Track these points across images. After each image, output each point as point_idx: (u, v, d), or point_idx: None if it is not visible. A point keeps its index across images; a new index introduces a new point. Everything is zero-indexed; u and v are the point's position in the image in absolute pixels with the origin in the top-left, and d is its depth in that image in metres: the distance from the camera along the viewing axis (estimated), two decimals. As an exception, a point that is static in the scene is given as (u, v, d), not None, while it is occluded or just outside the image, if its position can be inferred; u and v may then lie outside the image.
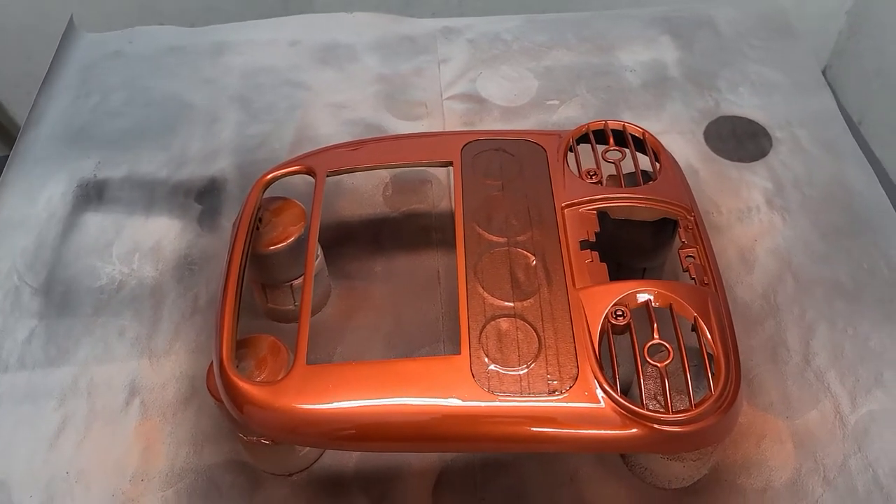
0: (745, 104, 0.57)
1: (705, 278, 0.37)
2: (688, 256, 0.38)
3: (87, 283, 0.47)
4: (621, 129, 0.43)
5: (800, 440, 0.40)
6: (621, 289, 0.35)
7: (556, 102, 0.58)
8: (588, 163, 0.41)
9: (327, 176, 0.41)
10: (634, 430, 0.32)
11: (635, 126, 0.43)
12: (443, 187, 0.52)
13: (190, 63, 0.61)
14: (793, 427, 0.41)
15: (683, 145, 0.54)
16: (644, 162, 0.42)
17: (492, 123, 0.56)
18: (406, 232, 0.50)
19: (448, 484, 0.39)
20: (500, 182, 0.40)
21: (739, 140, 0.55)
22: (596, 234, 0.38)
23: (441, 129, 0.56)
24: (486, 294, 0.35)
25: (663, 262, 0.44)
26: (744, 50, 0.61)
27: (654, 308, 0.35)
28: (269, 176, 0.42)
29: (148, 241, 0.50)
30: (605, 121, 0.43)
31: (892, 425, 0.40)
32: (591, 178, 0.40)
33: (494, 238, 0.38)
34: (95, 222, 0.51)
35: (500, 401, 0.32)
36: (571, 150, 0.42)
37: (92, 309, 0.46)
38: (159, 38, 0.63)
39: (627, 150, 0.42)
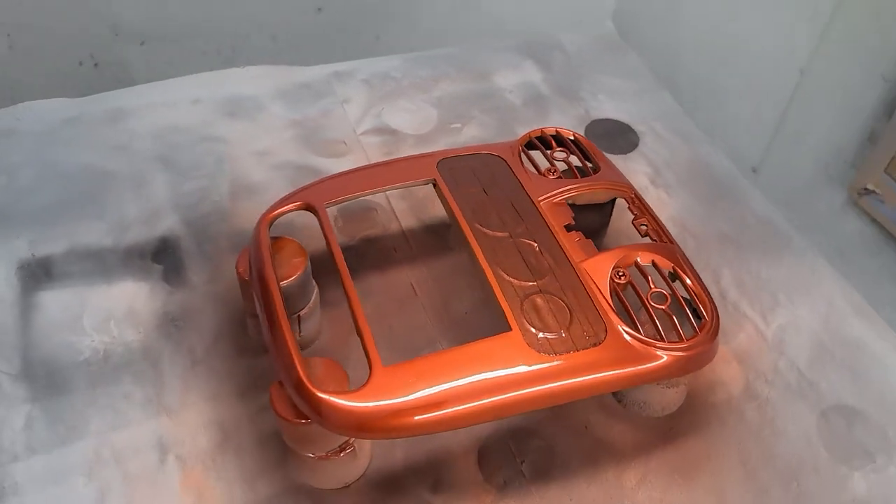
0: (607, 108, 0.68)
1: (664, 238, 0.46)
2: (642, 224, 0.47)
3: (69, 359, 0.46)
4: (554, 133, 0.51)
5: (740, 358, 0.50)
6: (613, 256, 0.43)
7: (459, 125, 0.65)
8: (534, 164, 0.49)
9: (326, 207, 0.45)
10: (663, 360, 0.39)
11: (566, 130, 0.51)
12: (387, 213, 0.57)
13: (91, 132, 0.61)
14: (731, 349, 0.51)
15: (573, 147, 0.64)
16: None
17: (410, 149, 0.62)
18: (369, 255, 0.54)
19: (489, 456, 0.44)
20: (480, 188, 0.47)
21: (613, 137, 0.66)
22: (573, 217, 0.46)
23: (366, 161, 0.61)
24: (511, 279, 0.41)
25: (604, 236, 0.53)
26: (591, 65, 0.73)
27: (642, 265, 0.43)
28: (273, 214, 0.44)
29: (119, 307, 0.49)
30: (542, 129, 0.51)
31: (797, 331, 0.52)
32: (553, 175, 0.48)
33: (499, 234, 0.44)
34: (54, 299, 0.49)
35: (558, 359, 0.38)
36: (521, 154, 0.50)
37: (86, 383, 0.45)
38: (48, 111, 0.62)
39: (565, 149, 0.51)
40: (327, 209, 0.45)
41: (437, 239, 0.55)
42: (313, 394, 0.36)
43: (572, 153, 0.50)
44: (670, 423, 0.47)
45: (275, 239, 0.46)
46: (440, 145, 0.63)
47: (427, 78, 0.69)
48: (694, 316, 0.41)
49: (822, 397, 0.49)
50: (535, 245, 0.43)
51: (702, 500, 0.43)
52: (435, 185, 0.47)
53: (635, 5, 1.44)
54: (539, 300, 0.41)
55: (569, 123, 0.66)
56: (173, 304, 0.50)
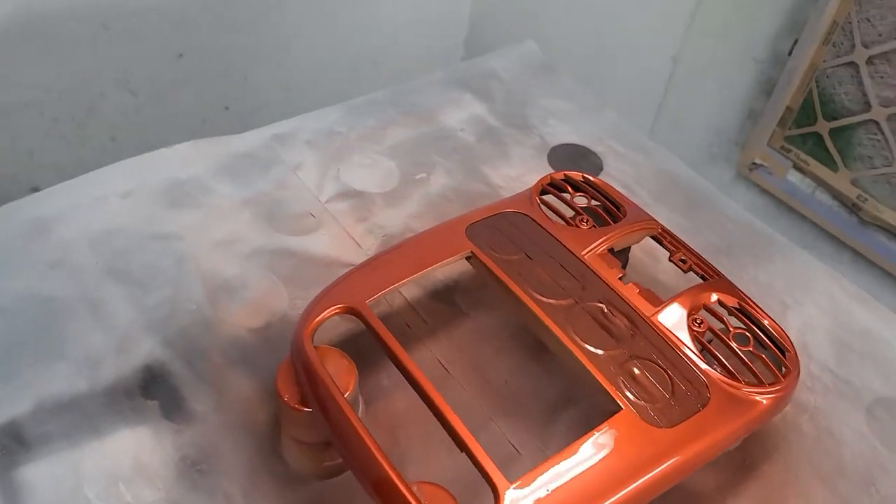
0: (561, 133, 0.67)
1: (708, 270, 0.45)
2: (681, 260, 0.45)
3: (85, 545, 0.38)
4: (563, 178, 0.49)
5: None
6: (682, 303, 0.41)
7: (424, 175, 0.61)
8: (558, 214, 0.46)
9: (368, 303, 0.40)
10: (765, 403, 0.38)
11: (575, 173, 0.49)
12: (385, 284, 0.52)
13: (14, 252, 0.51)
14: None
15: (543, 179, 0.62)
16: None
17: (382, 211, 0.57)
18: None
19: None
20: (522, 253, 0.43)
21: (576, 161, 0.64)
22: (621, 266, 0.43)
23: (341, 232, 0.55)
24: (596, 350, 0.38)
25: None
26: (529, 90, 0.71)
27: (718, 303, 0.41)
28: (312, 326, 0.39)
29: (123, 463, 0.41)
30: (551, 175, 0.48)
31: (813, 331, 0.53)
32: (586, 225, 0.45)
33: (563, 301, 0.41)
34: (40, 473, 0.40)
35: (679, 430, 0.36)
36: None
37: (116, 569, 0.37)
38: (-52, 236, 0.51)
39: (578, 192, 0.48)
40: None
41: (447, 304, 0.51)
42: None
43: (592, 197, 0.48)
44: (742, 455, 0.46)
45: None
46: (414, 201, 0.58)
47: (374, 127, 0.64)
48: (777, 349, 0.41)
49: (860, 393, 0.50)
50: (604, 306, 0.41)
51: (802, 529, 0.43)
52: (472, 258, 0.43)
53: (487, 29, 1.45)
54: (634, 368, 0.38)
55: (528, 155, 0.64)
56: (187, 446, 0.42)
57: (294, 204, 0.57)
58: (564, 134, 0.67)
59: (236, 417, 0.44)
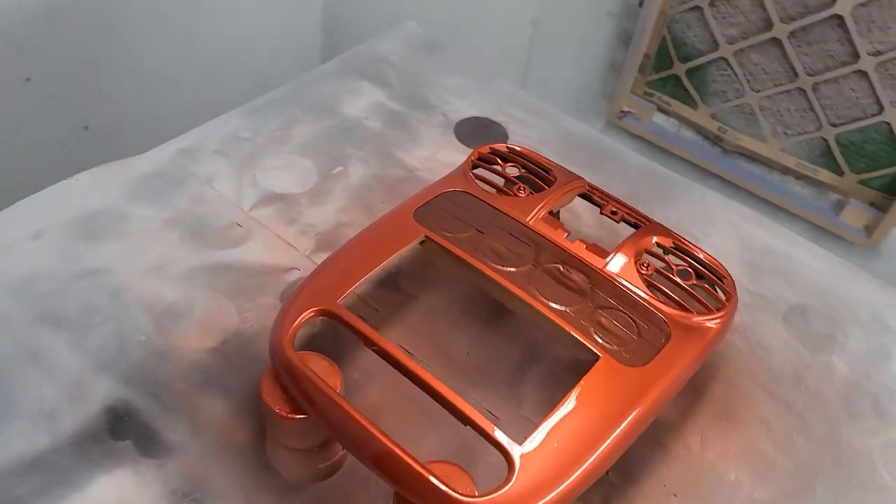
0: (460, 107, 0.69)
1: (640, 218, 0.48)
2: (612, 212, 0.49)
3: None
4: (489, 151, 0.51)
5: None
6: (626, 251, 0.44)
7: (342, 168, 0.61)
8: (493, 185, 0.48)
9: (340, 303, 0.40)
10: (714, 328, 0.42)
11: (499, 145, 0.51)
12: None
13: (-77, 317, 0.47)
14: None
15: (455, 154, 0.64)
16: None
17: (309, 210, 0.57)
18: (340, 332, 0.49)
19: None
20: (473, 229, 0.45)
21: (482, 134, 0.66)
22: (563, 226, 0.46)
23: (273, 238, 0.55)
24: (565, 308, 0.41)
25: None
26: (421, 70, 0.72)
27: (657, 245, 0.45)
28: (290, 333, 0.39)
29: (111, 510, 0.40)
30: (478, 150, 0.50)
31: (725, 257, 0.58)
32: (524, 192, 0.48)
33: (523, 268, 0.43)
34: (24, 539, 0.38)
35: (653, 366, 0.39)
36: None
37: None
38: None
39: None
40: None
41: (394, 291, 0.52)
42: (458, 500, 0.33)
43: (522, 166, 0.50)
44: (693, 382, 0.50)
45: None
46: (337, 195, 0.59)
47: (279, 128, 0.64)
48: (715, 277, 0.45)
49: (775, 305, 0.56)
50: (559, 266, 0.43)
51: (755, 433, 0.48)
52: (427, 241, 0.44)
53: (342, 9, 1.44)
54: (601, 318, 0.41)
55: (437, 134, 0.66)
56: (174, 478, 0.41)
57: (217, 217, 0.56)
58: (465, 108, 0.69)
59: (216, 440, 0.43)
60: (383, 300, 0.52)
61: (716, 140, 1.15)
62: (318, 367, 0.39)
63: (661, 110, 1.18)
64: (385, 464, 0.35)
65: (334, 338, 0.49)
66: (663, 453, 0.46)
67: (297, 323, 0.39)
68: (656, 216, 0.60)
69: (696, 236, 0.60)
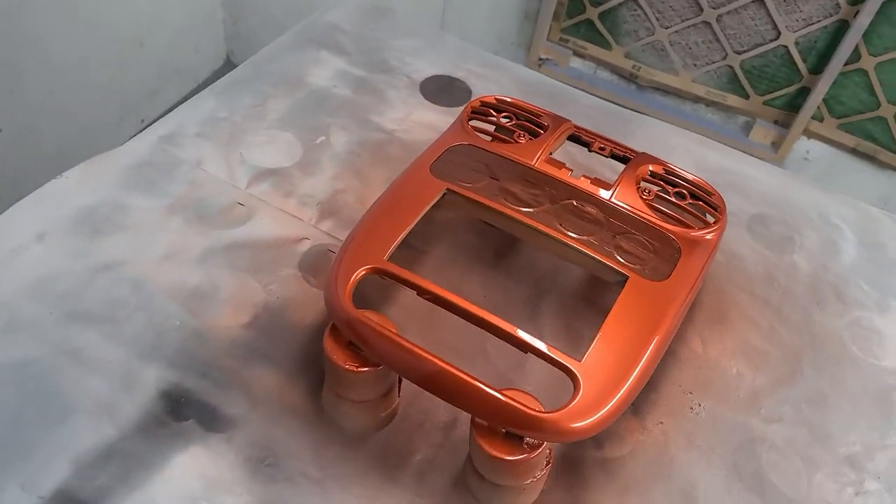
0: (420, 67, 0.71)
1: (627, 151, 0.53)
2: (600, 147, 0.53)
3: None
4: (479, 104, 0.54)
5: (677, 218, 0.61)
6: (626, 182, 0.49)
7: (323, 138, 0.62)
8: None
9: (388, 260, 0.43)
10: (712, 238, 0.47)
11: (488, 96, 0.54)
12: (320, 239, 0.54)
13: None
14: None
15: (427, 113, 0.66)
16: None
17: (303, 181, 0.59)
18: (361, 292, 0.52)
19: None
20: (486, 178, 0.48)
21: (446, 90, 0.69)
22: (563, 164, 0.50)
23: (276, 212, 0.56)
24: (589, 238, 0.45)
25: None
26: (375, 35, 0.74)
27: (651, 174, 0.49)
28: (348, 291, 0.41)
29: (193, 486, 0.42)
30: (470, 104, 0.53)
31: (692, 179, 0.64)
32: (523, 139, 0.51)
33: (543, 208, 0.47)
34: (119, 523, 0.39)
35: (673, 278, 0.44)
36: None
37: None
38: None
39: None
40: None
41: (405, 248, 0.55)
42: (540, 417, 0.37)
43: (515, 115, 0.53)
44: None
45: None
46: (326, 164, 0.60)
47: (253, 105, 0.64)
48: (705, 194, 0.50)
49: (738, 217, 0.62)
50: (573, 201, 0.47)
51: (745, 330, 0.54)
52: (448, 193, 0.47)
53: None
54: (621, 243, 0.45)
55: (405, 95, 0.68)
56: (245, 447, 0.43)
57: (217, 198, 0.56)
58: (425, 68, 0.71)
59: (274, 406, 0.45)
60: (398, 258, 0.54)
61: (631, 77, 1.22)
62: (378, 321, 0.42)
63: (578, 54, 1.23)
64: (464, 394, 0.38)
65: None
66: (673, 359, 0.51)
67: (351, 281, 0.42)
68: (620, 150, 0.66)
69: (659, 165, 0.65)
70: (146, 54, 1.35)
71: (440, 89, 0.69)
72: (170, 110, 0.63)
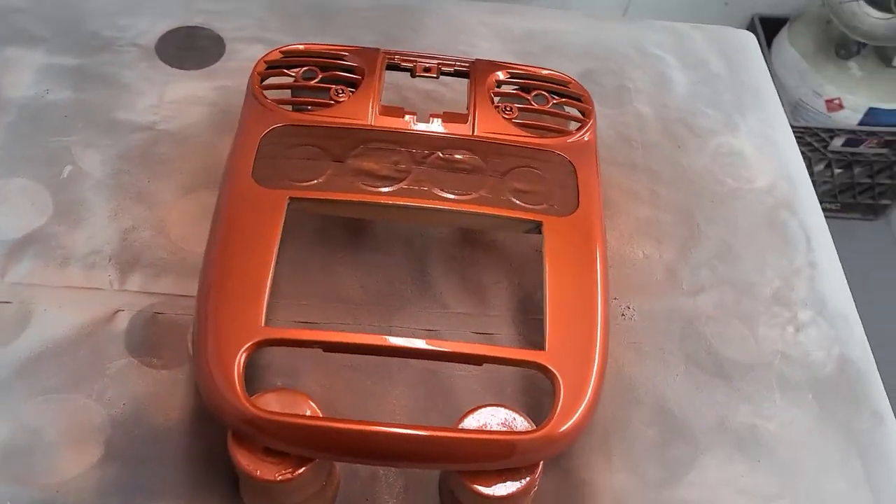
0: (143, 28, 0.55)
1: (457, 63, 0.44)
2: (425, 69, 0.44)
3: None
4: (263, 67, 0.42)
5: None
6: (481, 101, 0.41)
7: (70, 167, 0.47)
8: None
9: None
10: (587, 139, 0.42)
11: (274, 53, 0.43)
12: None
13: None
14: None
15: (183, 86, 0.52)
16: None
17: (70, 237, 0.44)
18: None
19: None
20: (327, 163, 0.38)
21: (193, 46, 0.55)
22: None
23: (62, 293, 0.42)
24: (479, 194, 0.37)
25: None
26: (68, 3, 0.56)
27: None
28: (240, 387, 0.31)
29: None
30: (254, 70, 0.42)
31: (497, 55, 0.57)
32: (342, 95, 0.41)
33: (410, 176, 0.38)
34: None
35: (581, 206, 0.38)
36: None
37: None
38: None
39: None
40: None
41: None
42: (537, 437, 0.31)
43: (316, 66, 0.42)
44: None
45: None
46: (92, 202, 0.46)
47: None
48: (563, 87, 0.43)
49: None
50: (439, 153, 0.39)
51: (630, 207, 0.50)
52: (293, 202, 0.36)
53: None
54: (513, 183, 0.38)
55: (143, 71, 0.53)
56: None
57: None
58: (149, 26, 0.56)
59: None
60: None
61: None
62: (291, 407, 0.32)
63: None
64: (444, 456, 0.30)
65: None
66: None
67: (238, 372, 0.31)
68: (417, 47, 0.57)
69: (465, 51, 0.57)
70: None
71: (183, 49, 0.55)
72: None
